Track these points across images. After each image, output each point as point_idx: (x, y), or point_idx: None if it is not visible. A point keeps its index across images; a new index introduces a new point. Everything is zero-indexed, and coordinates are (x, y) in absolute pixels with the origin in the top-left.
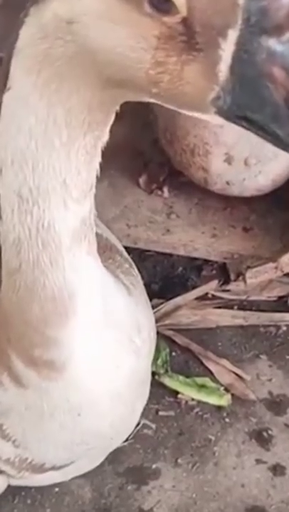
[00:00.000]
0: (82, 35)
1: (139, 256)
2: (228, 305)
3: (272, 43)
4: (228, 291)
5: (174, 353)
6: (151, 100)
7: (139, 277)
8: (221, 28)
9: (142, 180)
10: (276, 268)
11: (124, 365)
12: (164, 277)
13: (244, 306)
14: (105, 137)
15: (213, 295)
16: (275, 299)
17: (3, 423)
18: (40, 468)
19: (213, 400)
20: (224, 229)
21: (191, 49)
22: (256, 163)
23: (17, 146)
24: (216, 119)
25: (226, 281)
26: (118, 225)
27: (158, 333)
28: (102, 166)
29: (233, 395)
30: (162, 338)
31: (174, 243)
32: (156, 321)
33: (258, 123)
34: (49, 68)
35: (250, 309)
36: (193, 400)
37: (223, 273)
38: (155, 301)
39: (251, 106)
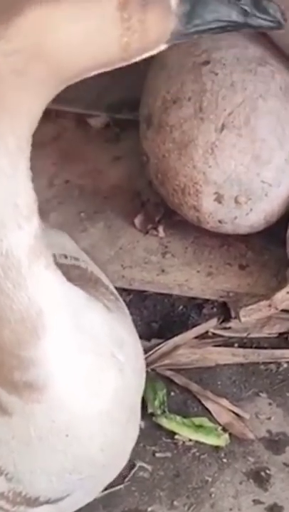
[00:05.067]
0: (53, 49)
1: (139, 295)
2: (228, 343)
3: None
4: (228, 328)
5: (172, 393)
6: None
7: (125, 310)
8: None
9: (137, 220)
10: (270, 306)
11: (107, 381)
12: (164, 316)
13: (244, 343)
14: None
15: (213, 333)
16: (275, 335)
17: None
18: (35, 502)
19: (210, 440)
20: (220, 267)
21: (144, 2)
22: (247, 201)
23: None
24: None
25: (226, 318)
26: (113, 266)
27: (156, 373)
28: (98, 207)
29: (231, 434)
30: (161, 378)
31: (169, 283)
32: (155, 361)
33: (218, 27)
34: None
35: (251, 347)
36: (190, 440)
37: (224, 310)
38: (154, 340)
39: (206, 17)
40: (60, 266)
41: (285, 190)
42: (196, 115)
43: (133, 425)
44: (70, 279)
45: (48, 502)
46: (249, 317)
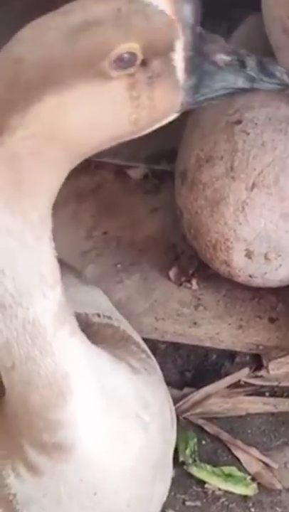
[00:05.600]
0: (68, 134)
1: (174, 344)
2: (259, 392)
3: (203, 33)
4: (260, 377)
5: (203, 442)
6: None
7: (155, 367)
8: (169, 45)
9: (171, 272)
10: None
11: (132, 441)
12: (197, 365)
13: (275, 392)
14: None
15: (245, 382)
16: None
17: None
18: None
19: (239, 489)
20: (251, 320)
21: (154, 78)
22: (276, 257)
23: None
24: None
25: (258, 367)
26: (147, 318)
27: (188, 421)
28: (134, 259)
29: (259, 484)
30: (192, 426)
31: (200, 336)
32: (187, 410)
33: (221, 90)
34: (18, 187)
35: (281, 396)
36: (220, 489)
37: (256, 360)
38: (187, 389)
39: (213, 87)
40: (92, 325)
41: None
42: (228, 174)
43: (161, 479)
44: (102, 337)
45: None
46: (278, 370)
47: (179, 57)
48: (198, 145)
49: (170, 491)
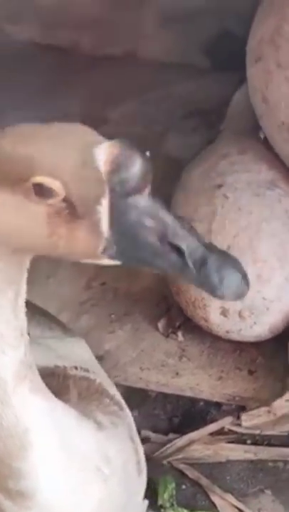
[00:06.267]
0: None
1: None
2: (240, 440)
3: (137, 200)
4: (241, 425)
5: (183, 486)
6: (59, 257)
7: (128, 419)
8: (95, 199)
9: (160, 324)
10: (269, 412)
11: (91, 493)
12: (185, 411)
13: (256, 440)
14: (23, 291)
15: (229, 429)
16: (286, 433)
17: None
18: None
19: None
20: (230, 371)
21: (76, 217)
22: (250, 315)
23: None
24: (108, 262)
25: (240, 416)
26: (132, 368)
27: (171, 466)
28: (128, 309)
29: None
30: (174, 471)
31: (182, 386)
32: (170, 455)
33: (145, 261)
34: None
35: (262, 444)
36: None
37: (242, 408)
38: (171, 435)
39: (133, 249)
40: (68, 377)
41: (287, 305)
42: (206, 236)
43: None
44: (77, 391)
45: None
46: (250, 421)
47: (104, 212)
48: (183, 207)
49: None
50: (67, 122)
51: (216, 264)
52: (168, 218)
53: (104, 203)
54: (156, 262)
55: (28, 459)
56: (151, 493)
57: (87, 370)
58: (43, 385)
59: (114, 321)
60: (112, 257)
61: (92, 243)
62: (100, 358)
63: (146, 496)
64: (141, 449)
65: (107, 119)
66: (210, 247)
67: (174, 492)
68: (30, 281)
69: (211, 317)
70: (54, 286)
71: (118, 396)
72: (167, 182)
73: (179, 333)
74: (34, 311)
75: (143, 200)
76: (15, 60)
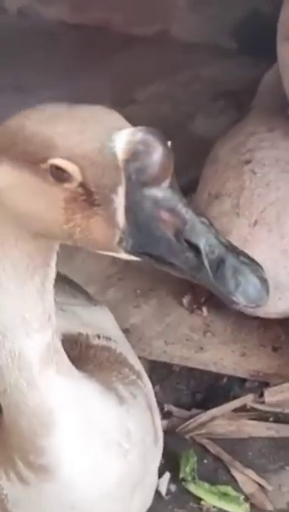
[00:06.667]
0: (7, 204)
1: (188, 367)
2: (263, 417)
3: (154, 192)
4: (264, 403)
5: (205, 461)
6: (76, 245)
7: (146, 388)
8: (111, 187)
9: (185, 300)
10: None
11: (112, 468)
12: (209, 387)
13: (279, 418)
14: (52, 275)
15: (251, 407)
16: None
17: None
18: None
19: (232, 508)
20: (254, 348)
21: (92, 205)
22: (275, 290)
23: None
24: (125, 256)
25: (263, 393)
26: (157, 342)
27: (193, 441)
28: (153, 285)
29: (252, 504)
30: (196, 446)
31: (205, 361)
32: (192, 430)
33: (158, 257)
34: None
35: (284, 422)
36: (214, 507)
37: (265, 385)
38: (194, 410)
39: (149, 244)
40: (90, 347)
41: None
42: (234, 210)
43: (141, 493)
44: (98, 361)
45: None
46: (273, 397)
47: (120, 202)
48: (211, 182)
49: (168, 505)
50: (93, 104)
51: (234, 266)
52: (186, 213)
53: (121, 192)
54: (171, 259)
55: (52, 438)
56: (173, 466)
57: (109, 339)
58: (69, 365)
59: (139, 296)
60: (127, 251)
61: (107, 234)
62: (125, 332)
63: (167, 470)
64: (158, 418)
65: (135, 99)
66: (230, 247)
67: (196, 466)
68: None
69: None
70: (80, 259)
71: (138, 365)
72: (194, 162)
73: (204, 309)
74: (58, 279)
75: (161, 192)
76: (45, 39)
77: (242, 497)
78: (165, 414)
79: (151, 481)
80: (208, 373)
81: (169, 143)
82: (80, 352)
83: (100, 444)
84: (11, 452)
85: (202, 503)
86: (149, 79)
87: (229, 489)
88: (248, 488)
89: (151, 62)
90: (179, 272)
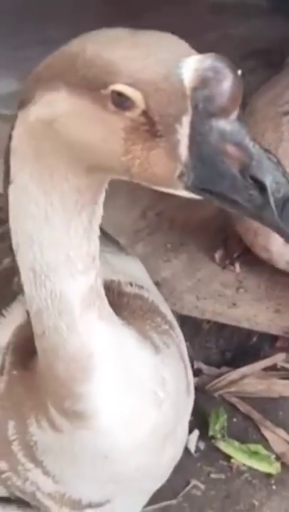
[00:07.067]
0: (62, 132)
1: (220, 324)
2: None
3: (222, 123)
4: None
5: (234, 419)
6: (131, 180)
7: (178, 338)
8: (176, 116)
9: (217, 255)
10: None
11: (147, 417)
12: (238, 346)
13: None
14: (99, 213)
15: (281, 366)
16: None
17: (44, 460)
18: (78, 504)
19: (263, 466)
20: (288, 304)
21: (154, 136)
22: None
23: (25, 230)
24: (184, 193)
25: None
26: (189, 296)
27: (222, 399)
28: (184, 239)
29: (283, 463)
30: (225, 404)
31: (238, 316)
32: (222, 388)
33: (220, 194)
34: (40, 161)
35: None
36: (244, 465)
37: None
38: (224, 368)
39: (212, 179)
40: (123, 295)
41: None
42: None
43: (172, 444)
44: (131, 309)
45: (90, 506)
46: None
47: (184, 133)
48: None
49: (196, 462)
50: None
51: None
52: (254, 148)
53: (186, 121)
54: (234, 196)
55: (90, 383)
56: (202, 424)
57: (141, 287)
58: (110, 311)
59: (169, 251)
60: (187, 187)
61: (168, 167)
62: (156, 285)
63: (196, 427)
64: (190, 370)
65: None
66: None
67: (226, 424)
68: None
69: (272, 246)
70: (109, 213)
71: (170, 315)
72: None
73: (237, 265)
74: None
75: (229, 124)
76: None
77: (273, 456)
78: (195, 372)
79: (182, 433)
80: (238, 332)
81: (240, 71)
82: (113, 299)
83: (137, 392)
84: (44, 398)
85: (232, 461)
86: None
87: (260, 448)
88: (279, 447)
89: (179, 21)
90: (242, 211)
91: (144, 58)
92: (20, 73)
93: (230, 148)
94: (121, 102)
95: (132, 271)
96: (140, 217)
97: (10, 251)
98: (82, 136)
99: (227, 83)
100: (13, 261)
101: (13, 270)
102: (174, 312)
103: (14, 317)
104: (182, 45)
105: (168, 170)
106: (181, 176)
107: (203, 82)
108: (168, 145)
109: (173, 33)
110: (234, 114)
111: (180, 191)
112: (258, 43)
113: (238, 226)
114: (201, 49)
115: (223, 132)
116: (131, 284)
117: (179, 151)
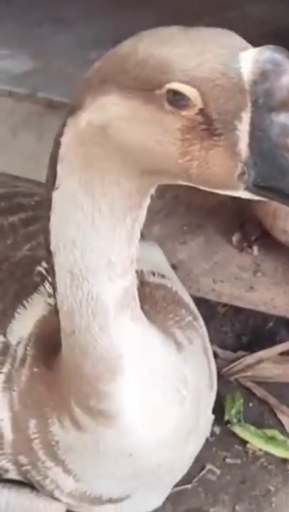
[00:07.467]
0: (115, 137)
1: (234, 308)
2: None
3: (283, 118)
4: None
5: (250, 404)
6: (187, 184)
7: (202, 329)
8: (235, 112)
9: (234, 238)
10: None
11: (170, 415)
12: (254, 330)
13: None
14: (142, 217)
15: None
16: None
17: (66, 459)
18: (98, 500)
19: (279, 451)
20: None
21: (212, 135)
22: None
23: (67, 235)
24: (245, 194)
25: None
26: (205, 279)
27: (238, 383)
28: (201, 222)
29: None
30: (241, 388)
31: (256, 300)
32: (238, 372)
33: (282, 191)
34: (90, 167)
35: None
36: (260, 450)
37: None
38: (240, 352)
39: (273, 176)
40: (146, 285)
41: None
42: None
43: (195, 438)
44: (153, 301)
45: (110, 501)
46: None
47: (244, 129)
48: None
49: (212, 447)
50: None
51: None
52: None
53: (245, 117)
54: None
55: (116, 383)
56: (217, 409)
57: (163, 276)
58: (140, 312)
59: (186, 233)
60: (248, 186)
61: (228, 166)
62: (172, 267)
63: (212, 412)
64: (213, 362)
65: None
66: None
67: (242, 409)
68: None
69: None
70: None
71: (192, 304)
72: None
73: (255, 248)
74: None
75: None
76: None
77: None
78: None
79: (204, 425)
80: (254, 317)
81: None
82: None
83: (160, 391)
84: (68, 397)
85: (248, 446)
86: (195, 17)
87: (276, 433)
88: None
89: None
90: None
91: (199, 55)
92: (34, 52)
93: None
94: (177, 100)
95: (153, 259)
96: (157, 200)
97: (47, 253)
98: (137, 140)
99: (287, 76)
100: (48, 262)
101: (34, 258)
102: (190, 295)
103: (36, 308)
104: (237, 39)
105: (228, 169)
106: (241, 174)
107: (263, 76)
108: (227, 143)
109: (190, 12)
110: None
111: (240, 192)
112: (277, 23)
113: (257, 209)
114: (220, 27)
115: (285, 126)
116: (153, 274)
117: (238, 148)
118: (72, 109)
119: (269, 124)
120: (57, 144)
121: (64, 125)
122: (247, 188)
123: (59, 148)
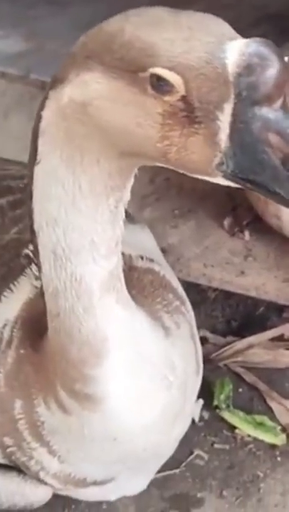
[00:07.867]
0: (96, 115)
1: (225, 293)
2: None
3: (265, 112)
4: None
5: (240, 389)
6: (166, 166)
7: (189, 314)
8: (217, 103)
9: (226, 222)
10: None
11: (156, 400)
12: (245, 315)
13: None
14: (126, 198)
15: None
16: None
17: (50, 440)
18: (83, 483)
19: (268, 437)
20: None
21: (193, 122)
22: None
23: (49, 212)
24: (223, 181)
25: None
26: (196, 264)
27: (228, 368)
28: (192, 206)
29: (288, 435)
30: (231, 374)
31: (247, 285)
32: (228, 357)
33: (260, 184)
34: (71, 143)
35: None
36: (249, 436)
37: None
38: (230, 338)
39: (252, 169)
40: (134, 269)
41: None
42: None
43: (180, 421)
44: (141, 285)
45: (94, 483)
46: None
47: (225, 120)
48: None
49: (200, 432)
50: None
51: None
52: None
53: (227, 108)
54: (275, 188)
55: (102, 367)
56: (207, 394)
57: (152, 261)
58: (127, 295)
59: (177, 217)
60: (226, 176)
61: (206, 155)
62: (163, 251)
63: (200, 396)
64: (199, 347)
65: None
66: None
67: (231, 394)
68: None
69: (283, 214)
70: None
71: (180, 288)
72: None
73: (246, 233)
74: None
75: (272, 113)
76: None
77: (279, 427)
78: (200, 340)
79: (190, 409)
80: (244, 302)
81: (287, 58)
82: (124, 274)
83: (147, 376)
84: (54, 380)
85: (236, 431)
86: (187, 1)
87: (265, 419)
88: (285, 418)
89: None
90: (284, 203)
91: (186, 41)
92: (28, 32)
93: (274, 138)
94: (160, 86)
95: (141, 242)
96: (148, 183)
97: (31, 233)
98: (117, 120)
99: (273, 70)
100: (33, 242)
101: (21, 241)
102: (179, 279)
103: (22, 291)
104: (225, 27)
105: (206, 158)
106: (219, 164)
107: (248, 69)
108: (207, 132)
109: None
110: (278, 103)
111: (218, 179)
112: (271, 7)
113: (249, 193)
114: (213, 12)
115: (267, 121)
116: (142, 258)
117: (218, 138)
118: (54, 82)
119: (251, 117)
120: (38, 118)
121: (46, 98)
122: (224, 177)
123: (40, 122)
